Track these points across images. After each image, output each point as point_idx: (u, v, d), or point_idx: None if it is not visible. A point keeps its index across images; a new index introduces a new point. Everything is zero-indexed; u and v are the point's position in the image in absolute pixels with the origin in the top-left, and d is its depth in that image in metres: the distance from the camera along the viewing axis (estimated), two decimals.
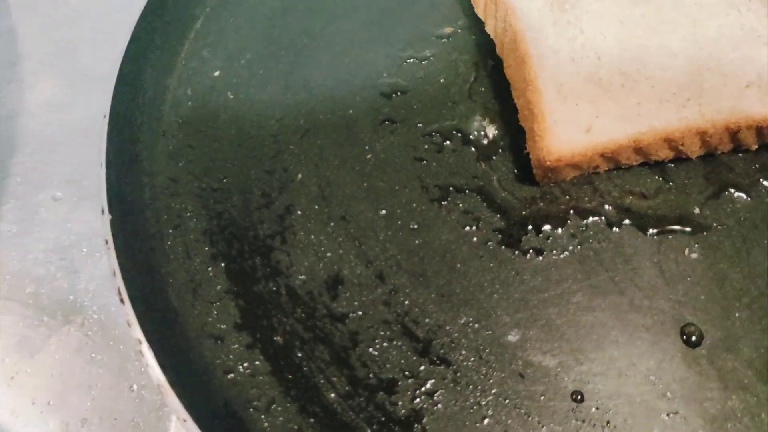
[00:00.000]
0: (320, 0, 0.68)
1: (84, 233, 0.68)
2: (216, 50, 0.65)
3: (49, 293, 0.65)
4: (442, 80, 0.63)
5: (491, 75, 0.64)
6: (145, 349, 0.47)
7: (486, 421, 0.48)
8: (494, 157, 0.60)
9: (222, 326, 0.52)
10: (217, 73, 0.64)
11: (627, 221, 0.56)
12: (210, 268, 0.55)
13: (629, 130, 0.56)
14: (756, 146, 0.58)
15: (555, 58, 0.60)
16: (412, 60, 0.65)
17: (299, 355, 0.51)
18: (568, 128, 0.56)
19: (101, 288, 0.65)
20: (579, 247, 0.55)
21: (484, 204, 0.57)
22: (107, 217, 0.51)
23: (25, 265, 0.66)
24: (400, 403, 0.49)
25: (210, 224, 0.57)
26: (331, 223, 0.56)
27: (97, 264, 0.66)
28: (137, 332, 0.47)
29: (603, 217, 0.56)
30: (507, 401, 0.49)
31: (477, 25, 0.66)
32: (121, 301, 0.48)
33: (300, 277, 0.54)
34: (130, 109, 0.58)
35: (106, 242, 0.50)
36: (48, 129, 0.73)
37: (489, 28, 0.65)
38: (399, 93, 0.63)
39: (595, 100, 0.58)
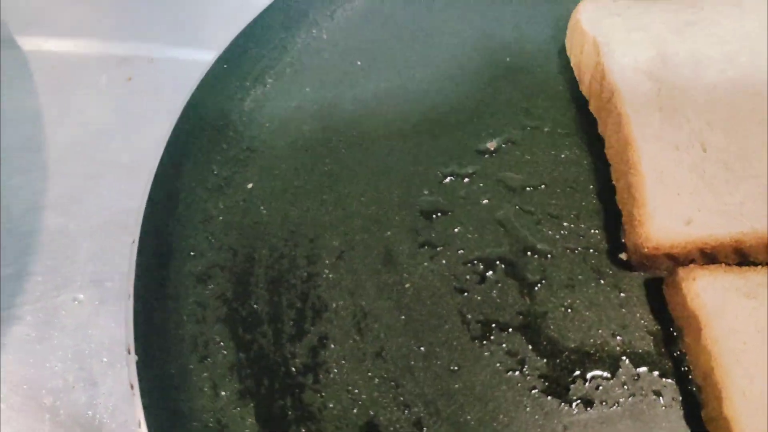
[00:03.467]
0: (359, 108, 0.66)
1: (104, 341, 0.65)
2: (250, 159, 0.63)
3: (67, 407, 0.62)
4: (485, 201, 0.60)
5: (537, 197, 0.61)
6: None
7: None
8: (539, 289, 0.56)
9: None
10: (250, 186, 0.61)
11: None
12: (237, 408, 0.52)
13: (731, 229, 0.54)
14: None
15: (658, 144, 0.58)
16: (453, 177, 0.62)
17: None
18: (668, 217, 0.55)
19: (121, 405, 0.62)
20: (630, 398, 0.51)
21: (529, 346, 0.54)
22: (133, 358, 0.48)
23: (43, 374, 0.63)
24: None
25: (238, 356, 0.54)
26: (367, 361, 0.53)
27: (117, 376, 0.63)
28: None
29: (657, 367, 0.52)
30: None
31: (523, 141, 0.64)
32: None
33: (333, 423, 0.51)
34: (159, 231, 0.55)
35: (132, 387, 0.47)
36: (71, 223, 0.71)
37: (592, 108, 0.64)
38: (439, 214, 0.60)
39: (696, 192, 0.56)
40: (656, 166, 0.57)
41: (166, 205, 0.57)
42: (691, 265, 0.55)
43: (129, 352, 0.49)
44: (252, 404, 0.52)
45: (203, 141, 0.62)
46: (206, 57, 0.79)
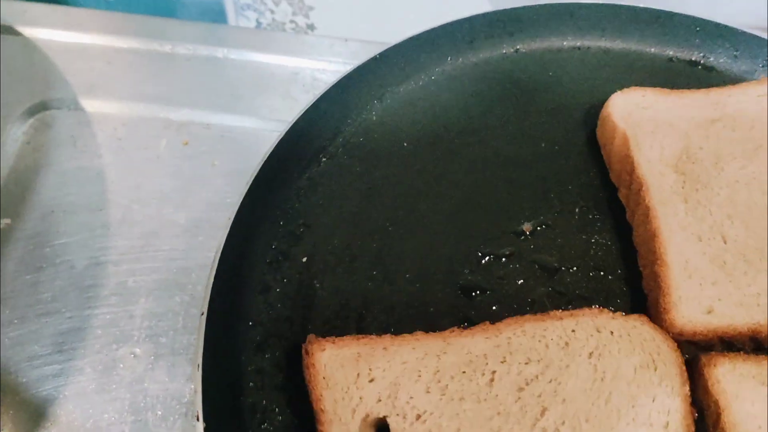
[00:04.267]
0: (405, 187, 0.71)
1: (159, 395, 0.69)
2: (305, 234, 0.68)
3: None
4: (520, 282, 0.65)
5: (568, 279, 0.66)
6: None
7: None
8: None
9: None
10: (305, 259, 0.66)
11: None
12: None
13: (748, 319, 0.59)
14: None
15: (683, 235, 0.63)
16: (491, 257, 0.67)
17: None
18: (691, 307, 0.59)
19: None
20: None
21: None
22: (201, 424, 0.53)
23: (100, 425, 0.68)
24: None
25: (293, 422, 0.58)
26: None
27: (171, 428, 0.68)
28: None
29: None
30: None
31: (556, 224, 0.69)
32: None
33: None
34: (223, 302, 0.60)
35: None
36: (130, 280, 0.76)
37: (621, 195, 0.69)
38: (479, 292, 0.65)
39: (717, 282, 0.61)
40: (681, 257, 0.62)
41: (230, 278, 0.62)
42: (712, 353, 0.59)
43: (198, 419, 0.53)
44: None
45: (266, 217, 0.67)
46: (258, 125, 0.86)
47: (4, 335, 0.71)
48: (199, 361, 0.55)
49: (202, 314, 0.58)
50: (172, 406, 0.69)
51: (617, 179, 0.70)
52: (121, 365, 0.71)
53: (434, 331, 0.62)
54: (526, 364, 0.56)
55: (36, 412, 0.68)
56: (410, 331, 0.62)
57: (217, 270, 0.60)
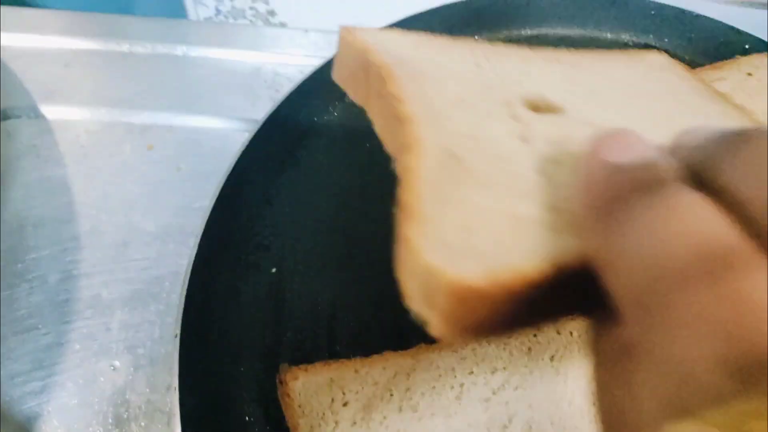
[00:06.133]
0: (374, 188, 0.72)
1: (141, 406, 0.71)
2: (273, 244, 0.69)
3: None
4: None
5: None
6: None
7: None
8: None
9: None
10: (274, 270, 0.67)
11: None
12: None
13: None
14: None
15: None
16: None
17: None
18: None
19: None
20: None
21: None
22: None
23: None
24: None
25: None
26: None
27: None
28: None
29: None
30: None
31: None
32: None
33: None
34: (200, 327, 0.61)
35: None
36: (104, 292, 0.77)
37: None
38: None
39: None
40: None
41: (202, 292, 0.63)
42: None
43: None
44: None
45: (235, 229, 0.67)
46: (221, 125, 0.86)
47: None
48: (175, 383, 0.57)
49: (176, 336, 0.59)
50: (155, 416, 0.71)
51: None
52: (102, 378, 0.73)
53: (402, 333, 0.64)
54: (492, 373, 0.58)
55: (21, 429, 0.70)
56: (380, 329, 0.64)
57: (188, 292, 0.61)
